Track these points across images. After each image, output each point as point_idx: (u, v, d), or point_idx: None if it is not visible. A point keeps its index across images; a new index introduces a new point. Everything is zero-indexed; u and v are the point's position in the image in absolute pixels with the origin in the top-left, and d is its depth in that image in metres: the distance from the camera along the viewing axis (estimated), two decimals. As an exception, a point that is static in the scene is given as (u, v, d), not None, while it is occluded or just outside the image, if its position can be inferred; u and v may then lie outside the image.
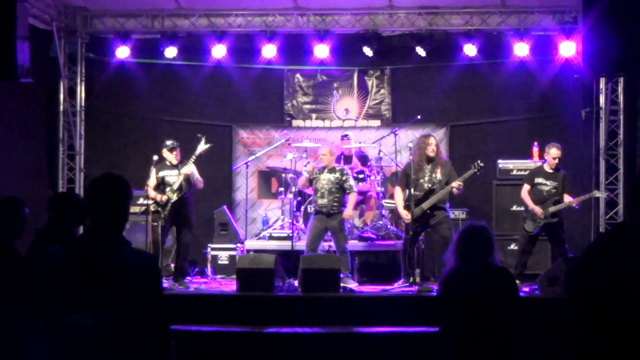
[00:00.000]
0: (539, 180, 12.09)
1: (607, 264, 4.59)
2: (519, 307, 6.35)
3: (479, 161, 11.59)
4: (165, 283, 11.68)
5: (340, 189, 12.36)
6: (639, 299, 4.46)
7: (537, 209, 11.86)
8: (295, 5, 14.68)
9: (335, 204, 12.24)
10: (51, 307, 4.05)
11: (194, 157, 11.94)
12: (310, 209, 13.00)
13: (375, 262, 13.80)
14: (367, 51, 14.69)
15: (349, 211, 12.45)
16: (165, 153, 12.13)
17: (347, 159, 14.04)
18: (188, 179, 11.94)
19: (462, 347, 6.19)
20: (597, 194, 12.84)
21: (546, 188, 11.99)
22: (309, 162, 13.23)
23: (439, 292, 6.53)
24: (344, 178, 12.40)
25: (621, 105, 14.41)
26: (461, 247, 6.36)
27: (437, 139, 12.10)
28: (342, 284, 11.48)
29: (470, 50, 14.36)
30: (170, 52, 14.73)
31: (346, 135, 14.48)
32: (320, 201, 12.32)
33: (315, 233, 12.36)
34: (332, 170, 12.46)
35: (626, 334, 4.49)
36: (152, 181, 12.04)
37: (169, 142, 12.17)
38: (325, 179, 12.39)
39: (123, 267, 4.06)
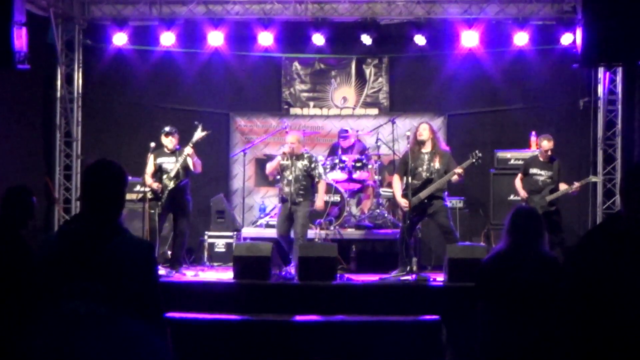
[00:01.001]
0: (533, 170, 12.14)
1: (598, 258, 4.57)
2: (565, 300, 6.16)
3: (477, 151, 11.59)
4: (162, 271, 11.67)
5: (308, 176, 12.20)
6: (629, 293, 4.44)
7: (522, 192, 12.03)
8: (293, -7, 14.66)
9: (301, 191, 12.04)
10: (46, 295, 4.03)
11: (191, 144, 11.89)
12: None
13: (372, 250, 13.82)
14: (366, 39, 14.62)
15: (319, 202, 12.31)
16: (162, 138, 12.10)
17: (345, 151, 13.97)
18: (186, 166, 11.91)
19: (499, 334, 6.06)
20: (593, 179, 12.86)
21: (541, 178, 12.05)
22: (285, 145, 12.54)
23: (482, 273, 6.32)
24: (312, 165, 12.23)
25: (619, 95, 14.43)
26: (514, 230, 6.15)
27: (431, 126, 12.01)
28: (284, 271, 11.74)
29: (469, 39, 14.30)
30: (168, 39, 14.66)
31: (346, 132, 14.39)
32: (286, 189, 12.10)
33: (282, 219, 12.23)
34: (299, 158, 12.27)
35: (617, 329, 4.48)
36: (149, 168, 12.00)
37: (166, 128, 12.17)
38: (293, 167, 12.19)
39: (118, 254, 4.02)
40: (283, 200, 12.21)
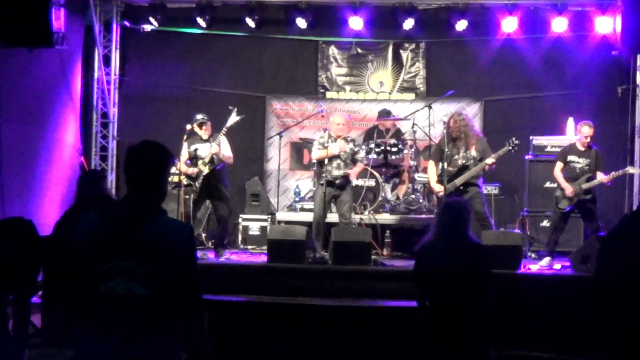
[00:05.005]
0: (571, 158, 11.99)
1: (629, 246, 4.57)
2: (490, 283, 6.50)
3: (514, 138, 11.48)
4: (198, 253, 11.71)
5: (352, 161, 12.12)
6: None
7: (568, 189, 11.78)
8: (331, -24, 14.63)
9: (345, 174, 11.96)
10: (86, 275, 4.06)
11: (225, 130, 11.82)
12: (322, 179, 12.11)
13: (407, 235, 13.78)
14: (405, 24, 14.59)
15: (353, 175, 12.16)
16: (195, 128, 12.03)
17: (381, 134, 13.94)
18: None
19: (434, 318, 6.41)
20: (630, 170, 12.69)
21: (579, 165, 11.90)
22: (325, 130, 12.37)
23: (417, 261, 6.71)
24: (356, 149, 12.18)
25: (658, 84, 14.30)
26: (440, 220, 6.62)
27: (466, 116, 11.92)
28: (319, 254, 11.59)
29: (508, 25, 14.23)
30: (205, 21, 14.73)
31: (388, 113, 14.40)
32: (336, 172, 11.92)
33: (323, 204, 12.01)
34: (345, 141, 12.14)
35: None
36: (183, 155, 11.95)
37: (198, 117, 12.01)
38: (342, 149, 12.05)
39: (159, 236, 4.05)
40: (328, 183, 11.94)
